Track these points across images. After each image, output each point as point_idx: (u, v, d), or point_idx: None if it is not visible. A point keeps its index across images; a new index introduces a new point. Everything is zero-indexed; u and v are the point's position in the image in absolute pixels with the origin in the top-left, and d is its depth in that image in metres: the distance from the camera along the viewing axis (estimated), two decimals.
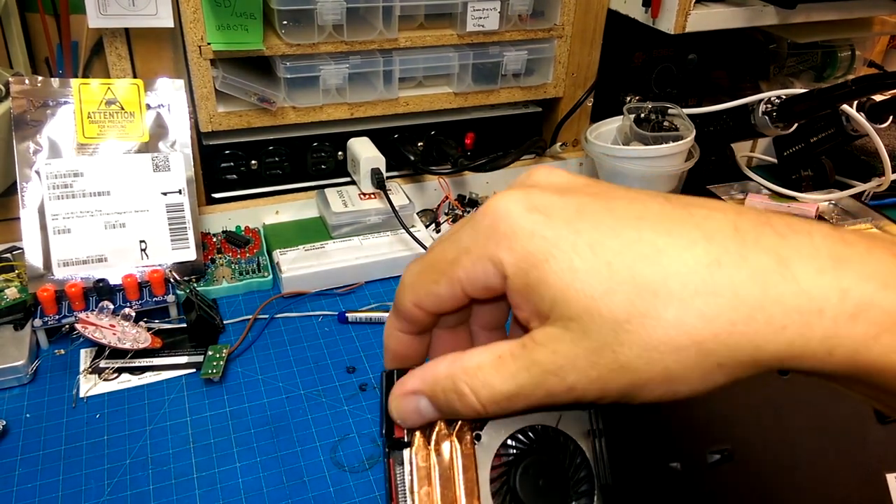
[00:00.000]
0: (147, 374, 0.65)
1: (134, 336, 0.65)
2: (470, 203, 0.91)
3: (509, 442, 0.29)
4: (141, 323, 0.68)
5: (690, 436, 0.30)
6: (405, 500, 0.28)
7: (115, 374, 0.64)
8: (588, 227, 0.24)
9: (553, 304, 0.23)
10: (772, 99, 0.86)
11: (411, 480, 0.28)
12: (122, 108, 0.72)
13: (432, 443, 0.29)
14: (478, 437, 0.29)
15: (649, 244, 0.23)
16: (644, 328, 0.22)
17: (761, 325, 0.22)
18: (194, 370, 0.65)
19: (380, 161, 0.82)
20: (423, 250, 0.78)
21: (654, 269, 0.23)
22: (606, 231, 0.23)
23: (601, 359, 0.23)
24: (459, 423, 0.29)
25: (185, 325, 0.70)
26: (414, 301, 0.28)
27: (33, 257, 0.68)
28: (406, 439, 0.29)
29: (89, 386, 0.63)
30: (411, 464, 0.28)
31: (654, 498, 0.30)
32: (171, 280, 0.71)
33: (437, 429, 0.29)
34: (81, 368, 0.65)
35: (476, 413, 0.26)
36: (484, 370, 0.25)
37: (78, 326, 0.64)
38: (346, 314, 0.73)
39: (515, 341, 0.25)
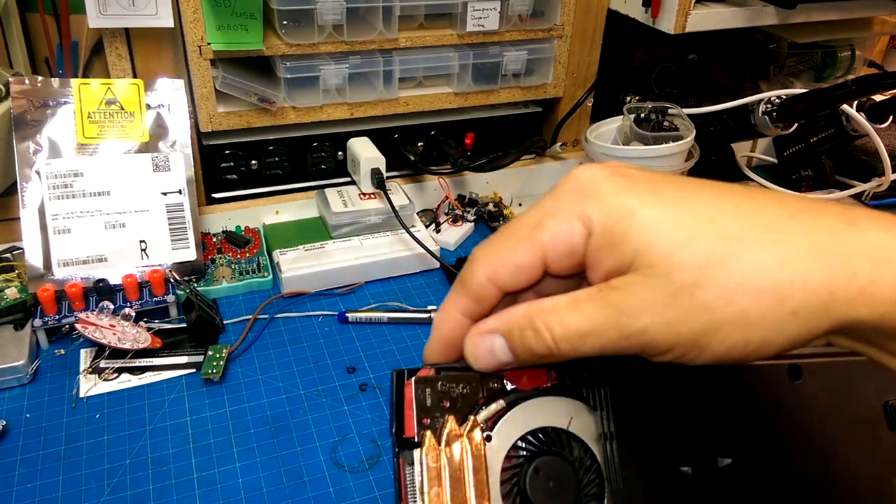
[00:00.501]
0: (147, 374, 0.65)
1: (134, 336, 0.65)
2: (470, 203, 0.91)
3: (520, 443, 0.29)
4: (141, 323, 0.68)
5: (701, 440, 0.30)
6: (415, 501, 0.28)
7: (115, 374, 0.64)
8: (669, 190, 0.26)
9: (635, 255, 0.25)
10: (772, 99, 0.86)
11: (421, 481, 0.28)
12: (122, 108, 0.72)
13: (443, 443, 0.29)
14: (488, 438, 0.29)
15: (728, 202, 0.25)
16: (724, 271, 0.23)
17: (835, 272, 0.23)
18: (194, 370, 0.65)
19: (380, 161, 0.82)
20: (422, 250, 0.78)
21: (734, 221, 0.24)
22: (686, 193, 0.26)
23: (678, 300, 0.24)
24: (471, 422, 0.29)
25: (185, 325, 0.70)
26: (488, 274, 0.28)
27: (33, 257, 0.68)
28: (416, 439, 0.29)
29: (89, 386, 0.63)
30: (422, 464, 0.28)
31: (665, 502, 0.30)
32: (171, 280, 0.71)
33: (447, 429, 0.29)
34: (81, 368, 0.65)
35: (549, 351, 0.26)
36: (560, 310, 0.26)
37: (78, 326, 0.64)
38: (346, 314, 0.73)
39: (592, 287, 0.26)
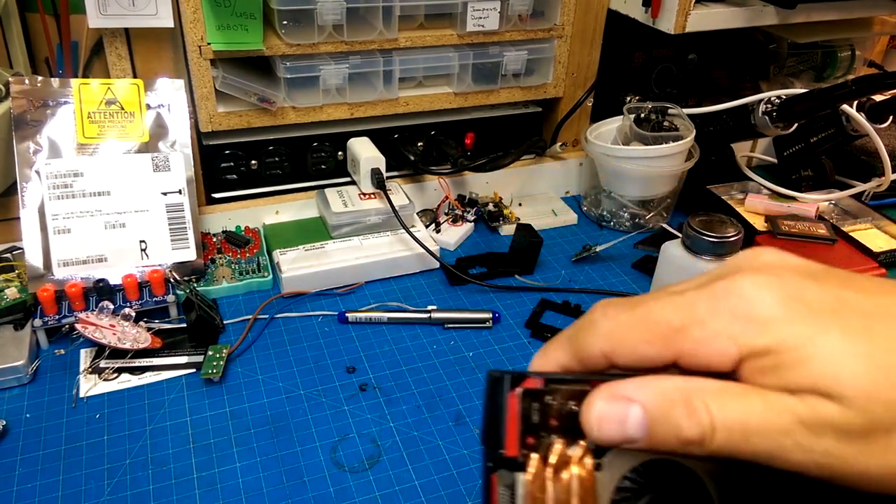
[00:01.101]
0: (147, 374, 0.65)
1: (134, 336, 0.65)
2: (470, 203, 0.91)
3: (631, 475, 0.26)
4: (141, 323, 0.68)
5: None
6: None
7: (115, 374, 0.64)
8: (853, 315, 0.23)
9: (815, 382, 0.22)
10: (772, 99, 0.86)
11: None
12: (122, 108, 0.72)
13: (549, 468, 0.25)
14: (598, 467, 0.26)
15: None
16: None
17: None
18: (194, 370, 0.65)
19: (380, 161, 0.82)
20: (423, 250, 0.78)
21: None
22: (875, 321, 0.23)
23: (873, 436, 0.22)
24: (581, 448, 0.26)
25: (185, 325, 0.70)
26: (608, 351, 0.26)
27: (33, 257, 0.68)
28: (519, 459, 0.26)
29: (89, 386, 0.63)
30: (525, 491, 0.25)
31: None
32: (171, 280, 0.71)
33: (555, 453, 0.26)
34: (81, 368, 0.65)
35: (699, 437, 0.23)
36: (726, 395, 0.23)
37: (78, 326, 0.64)
38: (346, 314, 0.73)
39: (759, 385, 0.24)
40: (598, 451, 0.26)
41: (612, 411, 0.24)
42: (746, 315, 0.23)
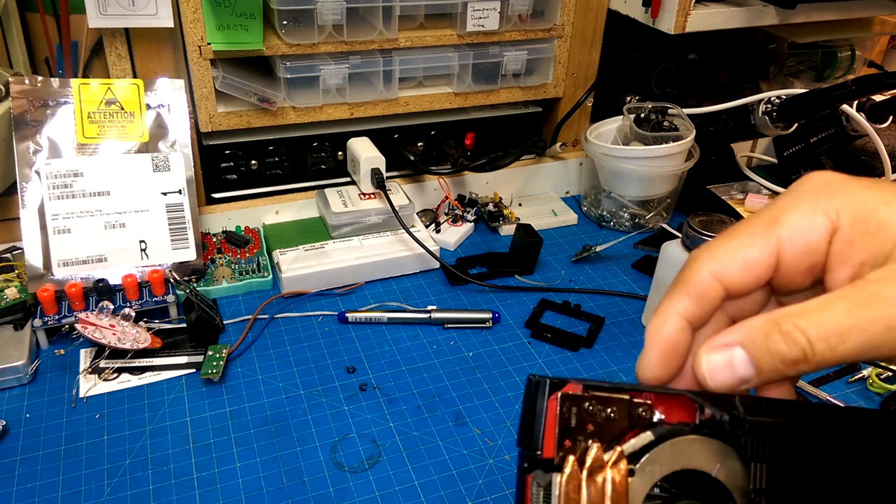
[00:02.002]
0: (147, 374, 0.65)
1: (134, 336, 0.65)
2: (470, 203, 0.91)
3: (662, 483, 0.27)
4: (141, 323, 0.68)
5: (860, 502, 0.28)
6: None
7: (115, 374, 0.64)
8: None
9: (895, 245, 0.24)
10: (772, 99, 0.86)
11: None
12: (122, 108, 0.72)
13: (585, 472, 0.26)
14: (631, 473, 0.27)
15: None
16: None
17: None
18: (194, 370, 0.65)
19: (380, 161, 0.82)
20: (422, 250, 0.78)
21: None
22: None
23: None
24: (616, 453, 0.27)
25: (185, 325, 0.70)
26: (715, 269, 0.27)
27: (33, 257, 0.68)
28: (556, 461, 0.26)
29: (89, 386, 0.63)
30: (560, 492, 0.26)
31: None
32: (171, 280, 0.71)
33: (591, 457, 0.26)
34: (81, 368, 0.65)
35: (803, 355, 0.24)
36: (810, 311, 0.24)
37: (78, 326, 0.64)
38: (346, 314, 0.73)
39: (842, 288, 0.25)
40: (633, 456, 0.27)
41: (719, 360, 0.26)
42: (826, 188, 0.26)
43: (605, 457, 0.26)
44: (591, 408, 0.27)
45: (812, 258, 0.26)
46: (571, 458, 0.26)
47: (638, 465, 0.27)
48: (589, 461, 0.26)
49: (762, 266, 0.26)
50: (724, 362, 0.26)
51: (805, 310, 0.25)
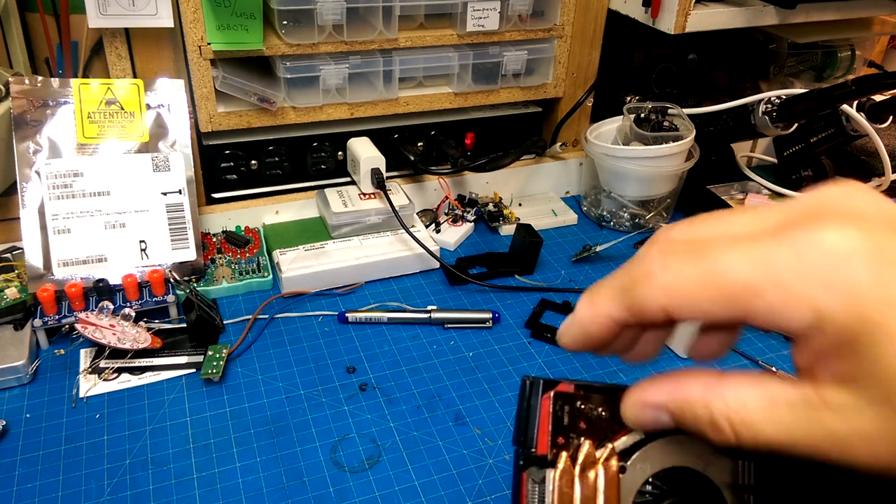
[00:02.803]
0: (147, 374, 0.65)
1: (134, 336, 0.65)
2: (470, 203, 0.91)
3: (653, 480, 0.28)
4: (141, 323, 0.68)
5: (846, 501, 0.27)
6: None
7: (115, 374, 0.64)
8: None
9: (871, 378, 0.20)
10: (772, 99, 0.86)
11: (552, 500, 0.27)
12: (122, 108, 0.72)
13: (577, 467, 0.27)
14: (622, 469, 0.27)
15: None
16: None
17: None
18: (194, 370, 0.65)
19: (380, 161, 0.82)
20: (422, 250, 0.78)
21: None
22: None
23: None
24: (608, 450, 0.27)
25: (185, 325, 0.70)
26: (668, 307, 0.24)
27: (33, 257, 0.68)
28: (549, 457, 0.27)
29: (89, 386, 0.63)
30: (554, 486, 0.27)
31: None
32: (171, 280, 0.71)
33: (584, 453, 0.27)
34: (81, 368, 0.65)
35: (726, 444, 0.23)
36: (750, 410, 0.23)
37: (78, 326, 0.64)
38: (346, 314, 0.72)
39: (794, 390, 0.22)
40: (624, 454, 0.27)
41: (646, 416, 0.26)
42: (828, 275, 0.21)
43: (597, 453, 0.27)
44: (582, 406, 0.28)
45: (787, 333, 0.23)
46: (564, 455, 0.27)
47: (629, 462, 0.27)
48: (581, 457, 0.27)
49: (721, 322, 0.23)
50: (650, 419, 0.26)
51: (745, 405, 0.23)
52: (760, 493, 0.27)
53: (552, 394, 0.28)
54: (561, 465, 0.27)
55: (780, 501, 0.28)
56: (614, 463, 0.27)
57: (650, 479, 0.28)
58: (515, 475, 0.28)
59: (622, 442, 0.28)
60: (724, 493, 0.28)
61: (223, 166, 0.81)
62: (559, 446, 0.27)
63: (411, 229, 0.80)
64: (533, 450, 0.28)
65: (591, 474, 0.27)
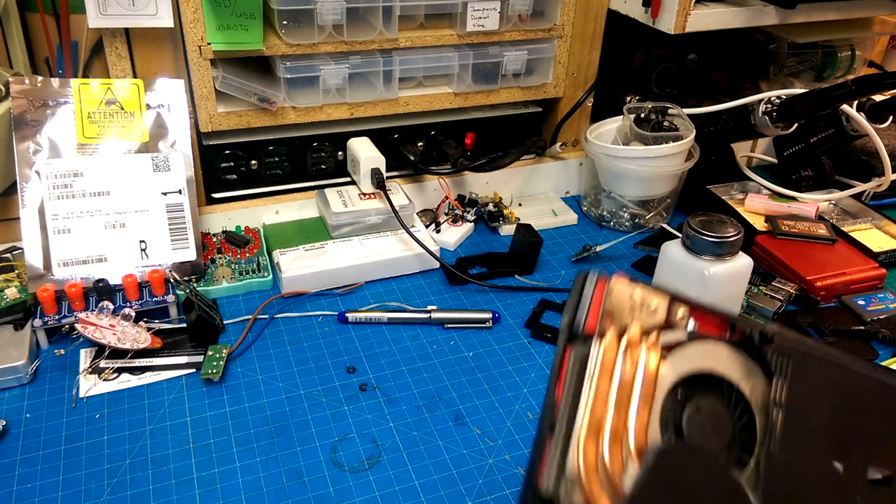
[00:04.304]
0: (147, 374, 0.65)
1: (134, 336, 0.65)
2: (470, 203, 0.91)
3: (689, 377, 0.29)
4: (141, 323, 0.68)
5: (861, 444, 0.29)
6: (577, 387, 0.28)
7: (115, 374, 0.64)
8: None
9: None
10: (772, 99, 0.86)
11: (593, 369, 0.28)
12: (122, 108, 0.72)
13: (623, 344, 0.28)
14: (663, 358, 0.29)
15: None
16: None
17: None
18: (194, 370, 0.65)
19: (380, 161, 0.82)
20: (422, 250, 0.78)
21: None
22: None
23: None
24: (653, 337, 0.29)
25: (185, 325, 0.70)
26: None
27: (33, 257, 0.68)
28: (597, 331, 0.29)
29: (89, 386, 0.63)
30: (598, 353, 0.28)
31: (809, 484, 0.29)
32: (171, 280, 0.71)
33: (630, 333, 0.28)
34: (81, 368, 0.65)
35: None
36: None
37: (78, 326, 0.64)
38: (346, 314, 0.73)
39: None
40: (667, 348, 0.29)
41: None
42: None
43: (644, 340, 0.29)
44: (634, 296, 0.29)
45: None
46: (612, 329, 0.29)
47: (669, 356, 0.29)
48: (627, 336, 0.28)
49: None
50: None
51: None
52: (790, 410, 0.28)
53: (609, 278, 0.29)
54: (608, 339, 0.28)
55: (801, 419, 0.29)
56: (656, 354, 0.28)
57: (691, 379, 0.29)
58: (559, 354, 0.29)
59: (667, 336, 0.29)
60: (754, 410, 0.29)
61: (223, 166, 0.81)
62: (608, 324, 0.29)
63: (411, 229, 0.80)
64: (582, 326, 0.29)
65: (635, 354, 0.28)
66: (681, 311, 0.30)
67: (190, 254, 0.74)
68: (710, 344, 0.29)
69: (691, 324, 0.30)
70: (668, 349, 0.29)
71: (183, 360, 0.66)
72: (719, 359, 0.29)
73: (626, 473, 0.28)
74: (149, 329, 0.67)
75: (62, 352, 0.67)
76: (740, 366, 0.29)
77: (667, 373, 0.29)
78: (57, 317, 0.67)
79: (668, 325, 0.29)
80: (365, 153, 0.82)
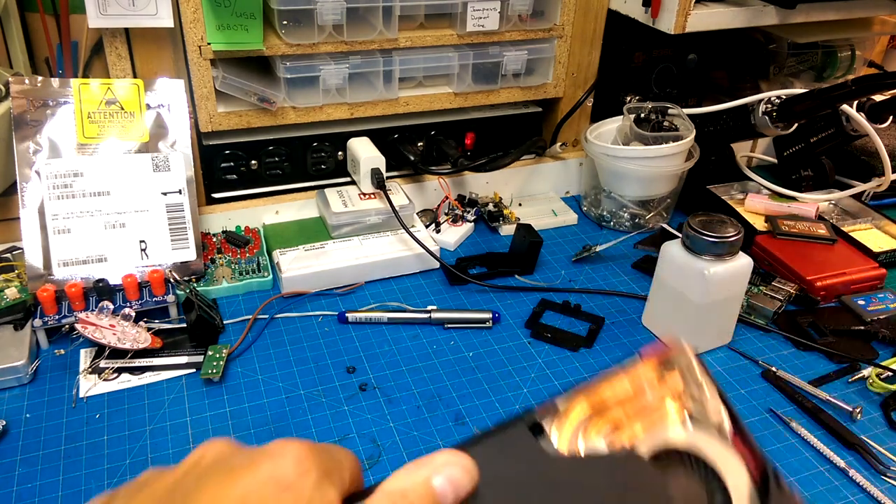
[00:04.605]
0: (147, 374, 0.65)
1: (134, 336, 0.65)
2: (470, 203, 0.91)
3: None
4: (141, 323, 0.68)
5: None
6: None
7: (115, 374, 0.64)
8: None
9: None
10: (772, 99, 0.86)
11: None
12: (122, 108, 0.72)
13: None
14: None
15: None
16: None
17: None
18: (194, 370, 0.65)
19: (380, 161, 0.82)
20: (422, 250, 0.78)
21: None
22: None
23: None
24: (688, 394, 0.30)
25: (185, 325, 0.70)
26: None
27: (33, 257, 0.68)
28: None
29: (89, 386, 0.63)
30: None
31: None
32: (171, 280, 0.71)
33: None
34: (81, 368, 0.65)
35: None
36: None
37: (78, 326, 0.64)
38: (346, 314, 0.73)
39: None
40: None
41: None
42: None
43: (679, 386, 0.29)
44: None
45: None
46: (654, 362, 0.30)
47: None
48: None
49: None
50: None
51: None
52: None
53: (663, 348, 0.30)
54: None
55: None
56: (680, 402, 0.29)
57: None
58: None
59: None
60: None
61: (223, 166, 0.81)
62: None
63: (411, 229, 0.80)
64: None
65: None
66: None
67: (190, 254, 0.74)
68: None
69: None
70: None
71: (183, 360, 0.66)
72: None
73: None
74: (149, 329, 0.67)
75: (62, 352, 0.67)
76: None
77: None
78: (57, 317, 0.67)
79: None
80: (365, 153, 0.82)
